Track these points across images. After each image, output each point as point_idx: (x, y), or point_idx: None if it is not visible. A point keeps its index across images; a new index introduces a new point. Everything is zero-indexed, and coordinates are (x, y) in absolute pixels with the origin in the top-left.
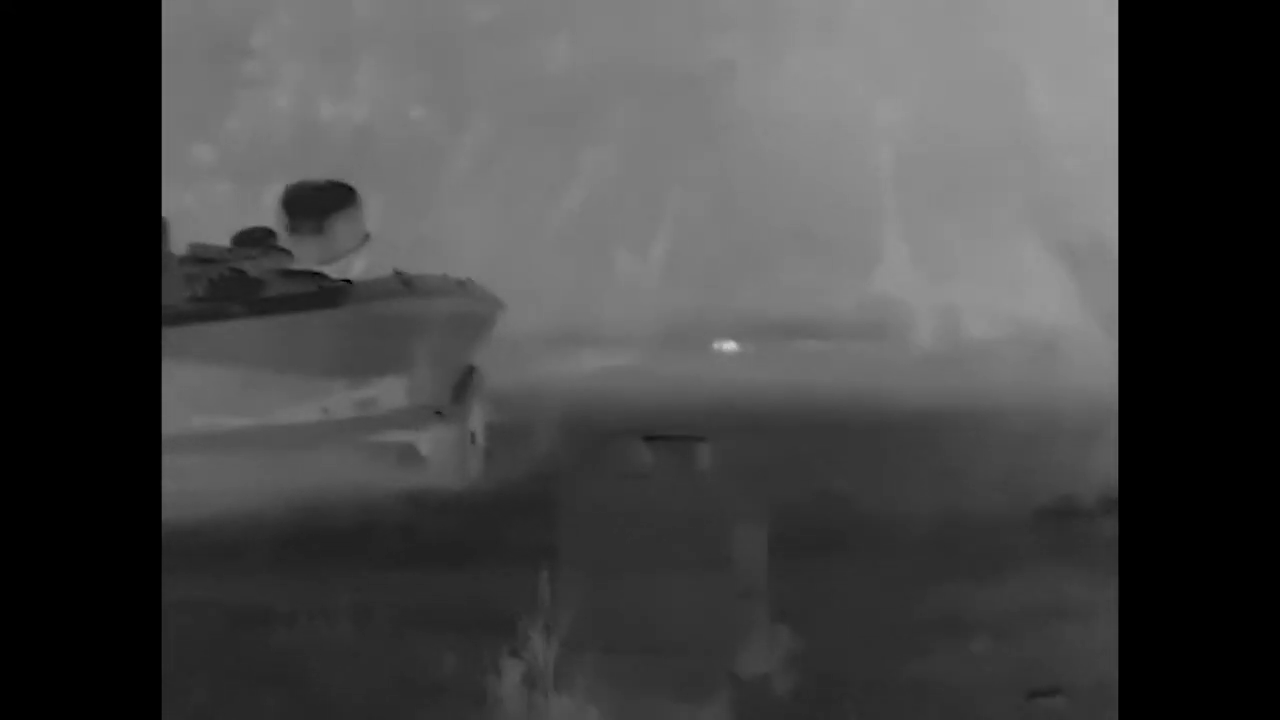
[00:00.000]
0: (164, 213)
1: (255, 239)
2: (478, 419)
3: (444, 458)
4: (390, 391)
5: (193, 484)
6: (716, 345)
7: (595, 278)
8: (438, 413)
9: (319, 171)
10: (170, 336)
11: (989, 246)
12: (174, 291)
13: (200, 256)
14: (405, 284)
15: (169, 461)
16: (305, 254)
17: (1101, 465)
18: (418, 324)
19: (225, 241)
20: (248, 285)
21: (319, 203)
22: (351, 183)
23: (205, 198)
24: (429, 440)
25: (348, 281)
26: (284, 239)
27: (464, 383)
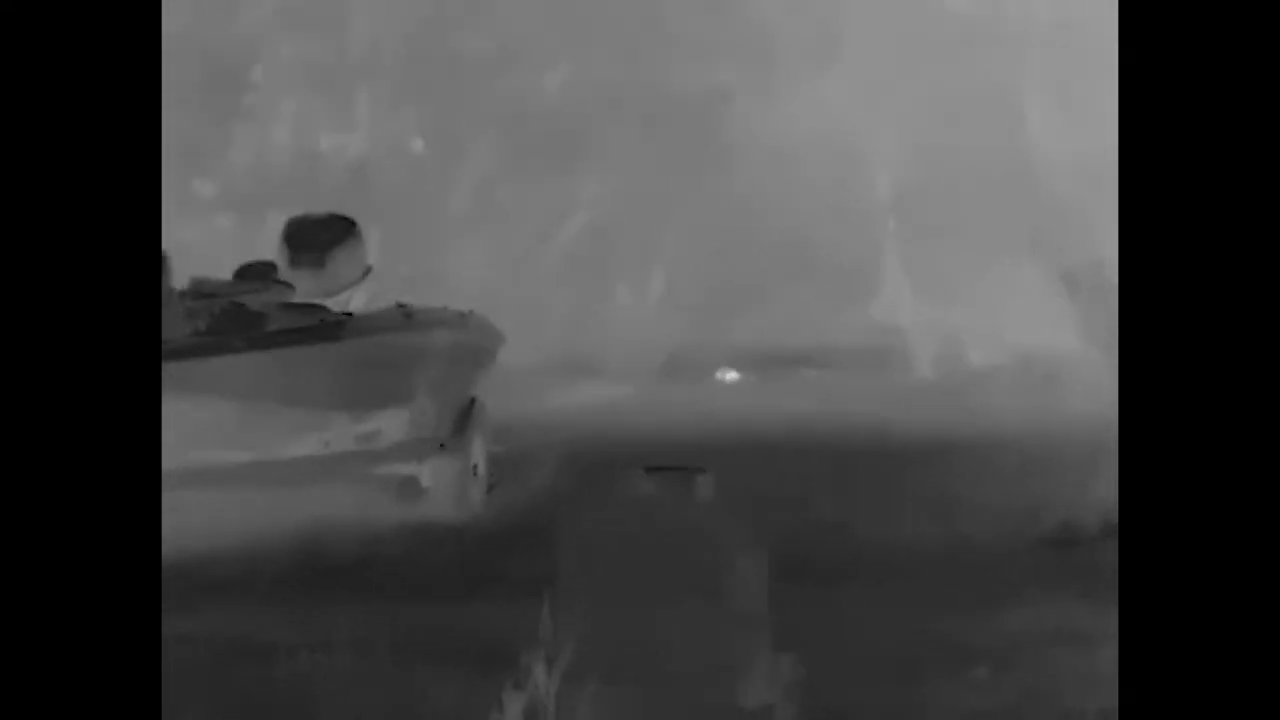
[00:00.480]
0: (165, 247)
1: (256, 273)
2: (479, 451)
3: (445, 490)
4: (392, 424)
5: (193, 518)
6: (719, 375)
7: (596, 308)
8: (440, 445)
9: (320, 204)
10: (171, 371)
11: (989, 274)
12: (175, 326)
13: (201, 291)
14: (406, 316)
15: (169, 496)
16: (306, 287)
17: (1103, 491)
18: (419, 356)
19: (227, 275)
20: (249, 319)
21: (320, 236)
22: (352, 214)
23: (206, 231)
24: (430, 472)
25: (348, 314)
26: (285, 273)
27: (466, 415)
